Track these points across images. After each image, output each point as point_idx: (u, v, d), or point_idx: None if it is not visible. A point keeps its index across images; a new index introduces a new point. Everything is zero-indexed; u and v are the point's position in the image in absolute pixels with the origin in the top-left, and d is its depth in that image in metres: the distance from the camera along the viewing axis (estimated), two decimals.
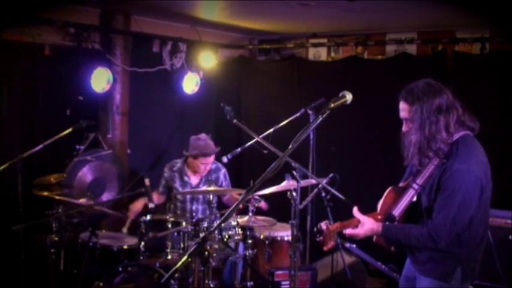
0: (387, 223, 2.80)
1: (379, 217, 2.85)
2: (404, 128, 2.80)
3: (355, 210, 2.89)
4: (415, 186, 2.80)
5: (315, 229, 2.93)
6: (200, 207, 4.77)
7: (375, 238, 2.89)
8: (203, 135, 4.75)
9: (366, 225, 2.82)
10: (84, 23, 4.98)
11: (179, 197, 4.78)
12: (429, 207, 2.72)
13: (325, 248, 2.94)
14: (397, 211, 2.82)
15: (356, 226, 2.86)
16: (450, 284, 2.72)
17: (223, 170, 4.92)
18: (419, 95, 2.69)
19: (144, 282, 3.86)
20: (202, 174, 4.78)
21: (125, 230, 4.46)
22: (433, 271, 2.77)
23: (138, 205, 4.60)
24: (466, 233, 2.69)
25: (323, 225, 2.93)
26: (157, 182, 4.85)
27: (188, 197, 4.77)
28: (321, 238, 2.92)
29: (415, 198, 2.84)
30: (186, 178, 4.78)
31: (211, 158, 4.71)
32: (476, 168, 2.63)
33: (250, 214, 4.33)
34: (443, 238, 2.64)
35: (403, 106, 2.76)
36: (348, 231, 2.87)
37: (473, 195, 2.64)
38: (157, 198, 4.78)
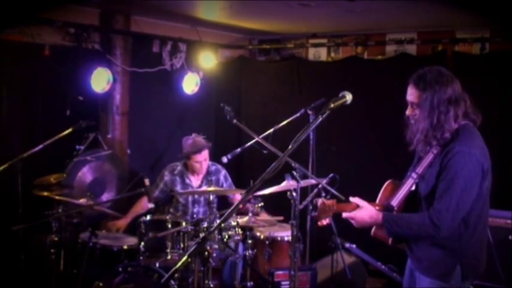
0: (387, 212, 2.79)
1: (377, 208, 2.84)
2: (408, 111, 2.79)
3: (353, 197, 2.87)
4: (414, 175, 2.80)
5: (311, 206, 2.90)
6: (201, 210, 4.76)
7: (372, 231, 2.88)
8: (192, 135, 4.75)
9: (364, 210, 2.79)
10: (84, 23, 4.98)
11: (181, 200, 4.76)
12: (428, 195, 2.70)
13: (319, 223, 2.90)
14: (395, 201, 2.81)
15: (353, 210, 2.83)
16: (450, 283, 2.70)
17: (224, 172, 4.91)
18: (431, 82, 2.67)
19: (144, 283, 3.86)
20: (202, 173, 4.77)
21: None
22: (432, 269, 2.76)
23: (120, 223, 4.57)
24: (464, 229, 2.67)
25: (319, 201, 2.90)
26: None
27: (190, 199, 4.76)
28: (316, 214, 2.89)
29: (413, 188, 2.83)
30: (187, 181, 4.77)
31: (204, 155, 4.69)
32: (477, 151, 2.63)
33: (250, 214, 4.33)
34: (446, 224, 2.59)
35: (412, 90, 2.74)
36: (345, 214, 2.83)
37: (475, 179, 2.62)
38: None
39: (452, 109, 2.66)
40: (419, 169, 2.78)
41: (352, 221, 2.83)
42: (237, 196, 4.89)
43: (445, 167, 2.62)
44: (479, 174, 2.63)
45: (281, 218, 4.61)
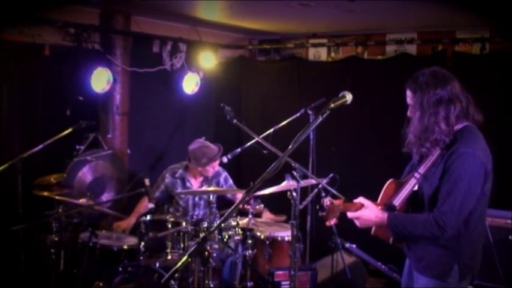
0: (392, 212, 2.78)
1: (379, 207, 2.84)
2: (408, 113, 2.82)
3: (356, 199, 2.87)
4: (417, 175, 2.80)
5: (318, 206, 2.90)
6: (201, 213, 4.75)
7: (373, 230, 2.88)
8: (201, 142, 4.73)
9: (369, 209, 2.79)
10: (84, 23, 4.98)
11: (181, 202, 4.75)
12: (432, 195, 2.71)
13: (327, 224, 2.89)
14: (397, 201, 2.82)
15: (358, 209, 2.83)
16: (447, 282, 2.71)
17: (224, 174, 4.91)
18: (422, 85, 2.71)
19: (144, 282, 3.86)
20: (211, 175, 4.77)
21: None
22: (430, 269, 2.76)
23: (125, 224, 4.56)
24: (464, 229, 2.67)
25: (327, 201, 2.91)
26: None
27: (190, 202, 4.75)
28: (324, 214, 2.88)
29: (416, 187, 2.83)
30: (188, 184, 4.76)
31: (218, 158, 4.72)
32: (481, 153, 2.64)
33: (250, 216, 4.33)
34: (451, 225, 2.61)
35: (407, 93, 2.80)
36: (350, 214, 2.84)
37: (478, 180, 2.64)
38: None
39: (442, 111, 2.67)
40: (423, 169, 2.78)
41: (357, 221, 2.83)
42: (238, 196, 4.89)
43: (449, 168, 2.63)
44: (482, 176, 2.64)
45: (283, 218, 4.61)
